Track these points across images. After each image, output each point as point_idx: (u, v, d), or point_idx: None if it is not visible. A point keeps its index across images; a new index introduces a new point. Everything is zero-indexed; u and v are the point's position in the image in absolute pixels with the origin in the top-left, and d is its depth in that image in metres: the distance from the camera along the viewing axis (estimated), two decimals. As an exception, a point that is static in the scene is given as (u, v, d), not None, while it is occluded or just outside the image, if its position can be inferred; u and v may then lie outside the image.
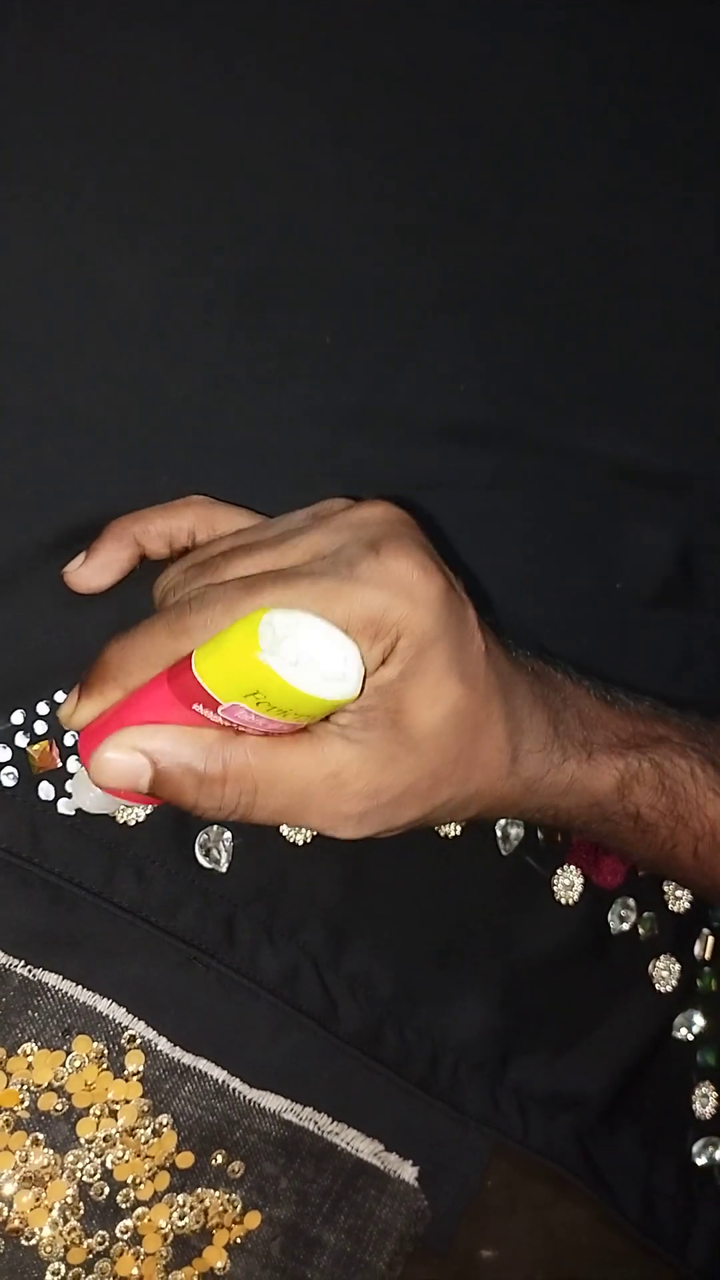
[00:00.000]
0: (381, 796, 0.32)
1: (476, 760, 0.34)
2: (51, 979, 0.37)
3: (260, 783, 0.31)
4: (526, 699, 0.35)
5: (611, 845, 0.41)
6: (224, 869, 0.39)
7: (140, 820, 0.38)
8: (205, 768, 0.31)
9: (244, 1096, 0.39)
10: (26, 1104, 0.37)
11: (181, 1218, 0.38)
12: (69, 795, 0.37)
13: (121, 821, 0.38)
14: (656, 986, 0.48)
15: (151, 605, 0.36)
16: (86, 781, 0.34)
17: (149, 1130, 0.38)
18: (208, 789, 0.31)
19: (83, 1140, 0.37)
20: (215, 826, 0.39)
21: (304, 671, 0.29)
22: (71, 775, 0.37)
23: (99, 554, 0.36)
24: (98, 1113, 0.37)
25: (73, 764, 0.37)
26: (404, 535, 0.32)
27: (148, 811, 0.38)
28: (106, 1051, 0.37)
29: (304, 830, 0.41)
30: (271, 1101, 0.40)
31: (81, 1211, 0.37)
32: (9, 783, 0.37)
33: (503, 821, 0.44)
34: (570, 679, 0.38)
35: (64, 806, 0.37)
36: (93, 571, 0.36)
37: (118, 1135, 0.37)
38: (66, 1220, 0.37)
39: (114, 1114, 0.37)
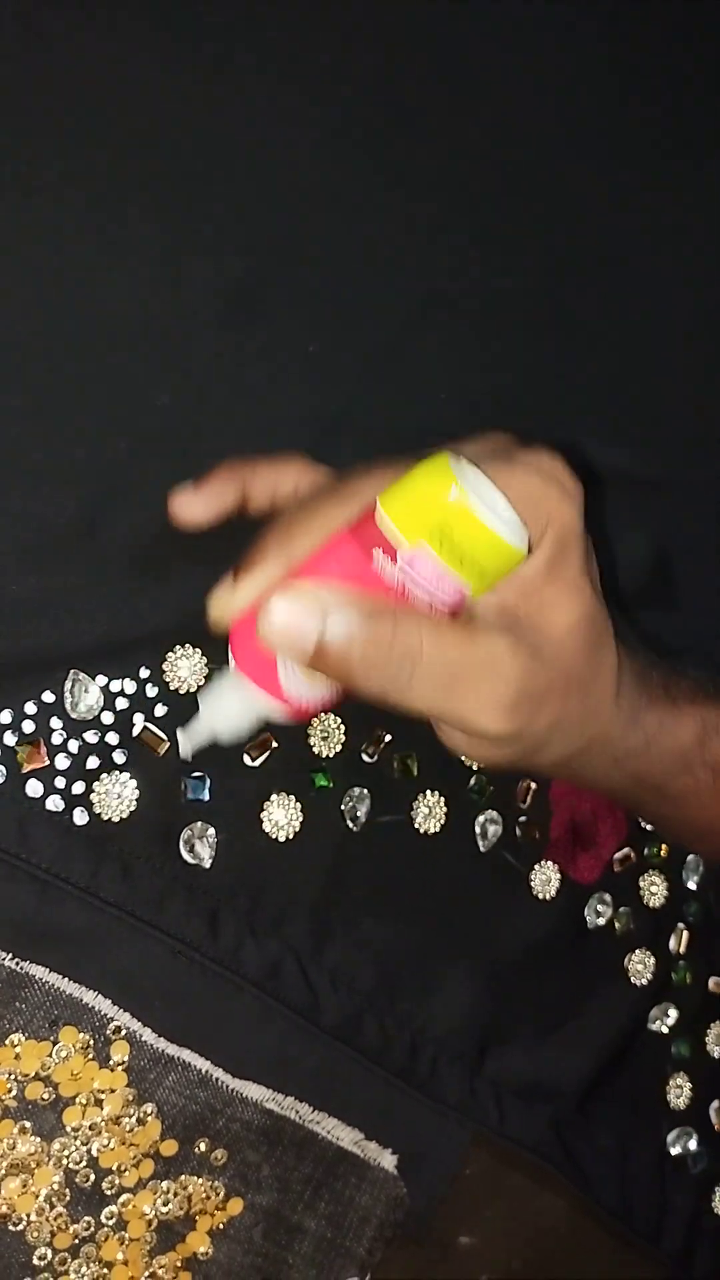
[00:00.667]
0: (530, 685, 0.33)
1: (597, 674, 0.35)
2: (39, 971, 0.38)
3: (425, 652, 0.31)
4: (623, 639, 0.37)
5: (681, 812, 0.41)
6: (208, 864, 0.40)
7: (125, 817, 0.39)
8: (376, 625, 0.30)
9: (227, 1086, 0.40)
10: (14, 1093, 0.38)
11: (165, 1204, 0.39)
12: (197, 719, 0.35)
13: (106, 819, 0.39)
14: (632, 980, 0.49)
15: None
16: (227, 691, 0.33)
17: (134, 1119, 0.39)
18: (374, 651, 0.30)
19: (69, 1128, 0.38)
20: (199, 823, 0.40)
21: (489, 512, 0.29)
22: (60, 772, 0.38)
23: (209, 486, 0.37)
24: (84, 1101, 0.38)
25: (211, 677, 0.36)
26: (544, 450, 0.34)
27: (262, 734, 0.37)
28: (92, 1042, 0.38)
29: (288, 825, 0.42)
30: (254, 1091, 0.41)
31: (68, 1198, 0.38)
32: (-3, 780, 0.38)
33: (481, 818, 0.45)
34: (642, 645, 0.40)
35: (186, 737, 0.36)
36: (201, 502, 0.37)
37: (103, 1123, 0.38)
38: (53, 1206, 0.38)
39: (99, 1103, 0.38)
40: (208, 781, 0.40)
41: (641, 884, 0.50)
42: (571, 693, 0.34)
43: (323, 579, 0.30)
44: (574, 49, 0.49)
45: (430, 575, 0.30)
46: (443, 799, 0.44)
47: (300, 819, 0.42)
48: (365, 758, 0.43)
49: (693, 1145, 0.51)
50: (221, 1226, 0.40)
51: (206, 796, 0.40)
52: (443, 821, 0.45)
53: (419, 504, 0.29)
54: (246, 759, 0.41)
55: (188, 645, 0.40)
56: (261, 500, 0.38)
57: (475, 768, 0.45)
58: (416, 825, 0.44)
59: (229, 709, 0.34)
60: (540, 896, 0.47)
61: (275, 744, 0.41)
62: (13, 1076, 0.38)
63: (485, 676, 0.32)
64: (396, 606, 0.31)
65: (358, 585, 0.30)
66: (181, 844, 0.40)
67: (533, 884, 0.47)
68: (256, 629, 0.30)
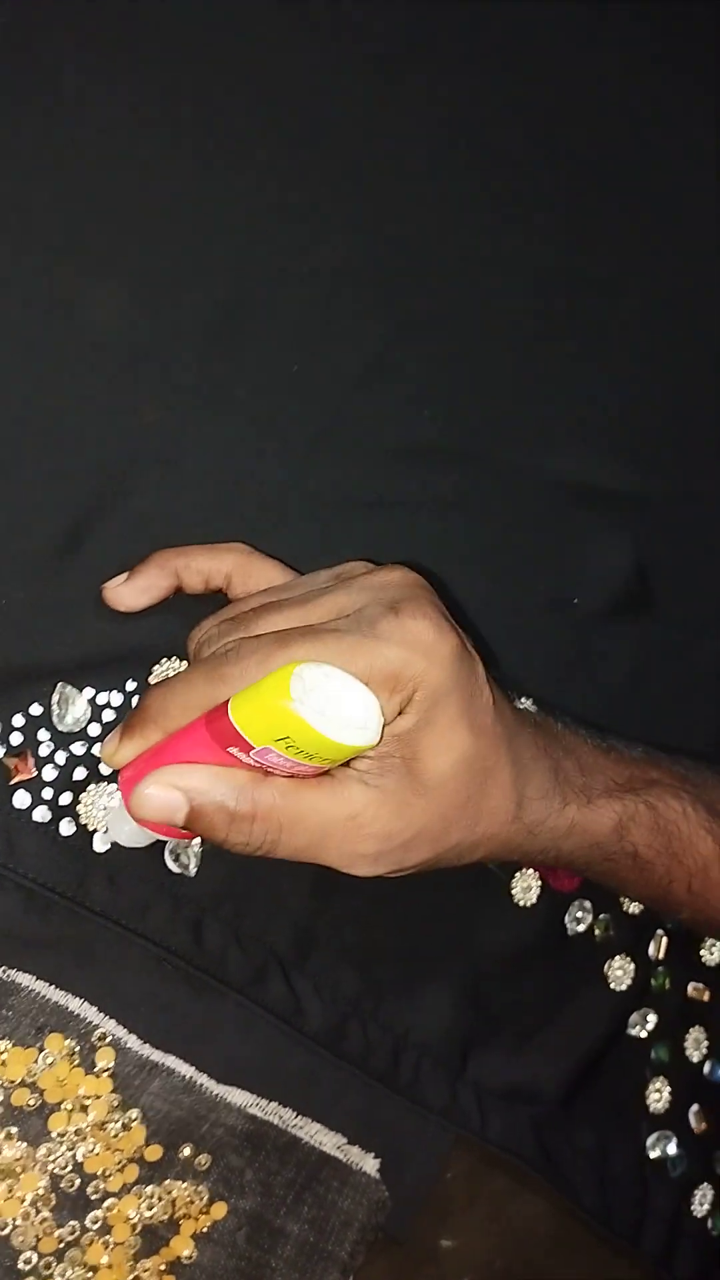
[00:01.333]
0: (395, 839, 0.35)
1: (484, 806, 0.37)
2: (25, 979, 0.39)
3: (285, 821, 0.34)
4: (530, 748, 0.38)
5: (611, 884, 0.43)
6: (193, 873, 0.41)
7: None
8: (237, 806, 0.33)
9: (211, 1091, 0.41)
10: (0, 1099, 0.38)
11: (150, 1208, 0.40)
12: (104, 830, 0.39)
13: (93, 829, 0.40)
14: (612, 985, 0.50)
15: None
16: (123, 816, 0.37)
17: (119, 1124, 0.39)
18: (238, 826, 0.33)
19: (54, 1134, 0.39)
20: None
21: (330, 720, 0.31)
22: (47, 783, 0.39)
23: (141, 577, 0.39)
24: (69, 1108, 0.39)
25: (113, 799, 0.39)
26: (420, 597, 0.35)
27: (183, 846, 0.40)
28: (78, 1048, 0.39)
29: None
30: (238, 1096, 0.41)
31: (53, 1203, 0.39)
32: (-16, 791, 0.38)
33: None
34: (568, 729, 0.41)
35: (99, 843, 0.39)
36: (132, 593, 0.39)
37: (88, 1129, 0.39)
38: (38, 1211, 0.38)
39: (85, 1109, 0.39)
40: (193, 791, 0.41)
41: (621, 891, 0.51)
42: (452, 830, 0.36)
43: (190, 757, 0.33)
44: (564, 65, 0.50)
45: (284, 763, 0.33)
46: (424, 808, 0.45)
47: (284, 828, 0.42)
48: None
49: (672, 1149, 0.51)
50: (205, 1230, 0.41)
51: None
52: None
53: (262, 717, 0.31)
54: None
55: (174, 658, 0.41)
56: (195, 586, 0.40)
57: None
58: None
59: (128, 828, 0.37)
60: (521, 904, 0.48)
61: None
62: (-1, 1083, 0.38)
63: (348, 834, 0.34)
64: (257, 781, 0.33)
65: (222, 763, 0.33)
66: (167, 854, 0.41)
67: (513, 891, 0.48)
68: (130, 807, 0.34)
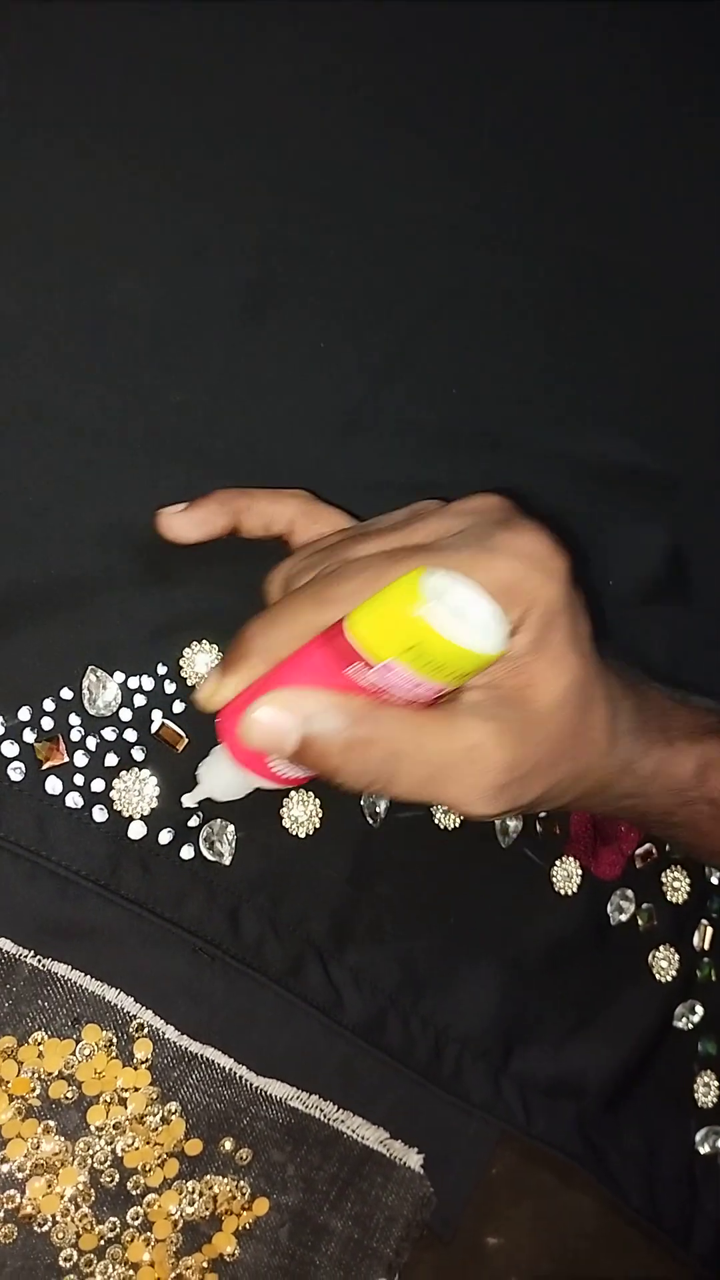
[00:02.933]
0: (516, 770, 0.33)
1: (587, 736, 0.35)
2: (61, 969, 0.38)
3: (406, 751, 0.32)
4: (618, 684, 0.37)
5: (689, 837, 0.42)
6: (227, 861, 0.40)
7: (145, 814, 0.39)
8: (354, 731, 0.31)
9: (251, 1084, 0.40)
10: (37, 1092, 0.37)
11: (191, 1204, 0.39)
12: (195, 785, 0.37)
13: (126, 815, 0.39)
14: (656, 977, 0.49)
15: (254, 599, 0.37)
16: (220, 764, 0.35)
17: (158, 1117, 0.39)
18: (355, 753, 0.32)
19: (93, 1127, 0.38)
20: (218, 820, 0.40)
21: (460, 627, 0.30)
22: (79, 769, 0.38)
23: (199, 510, 0.38)
24: (107, 1100, 0.38)
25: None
26: (525, 516, 0.34)
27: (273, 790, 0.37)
28: (115, 1040, 0.38)
29: (307, 822, 0.42)
30: (278, 1089, 0.41)
31: (92, 1198, 0.38)
32: (16, 777, 0.38)
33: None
34: (646, 678, 0.40)
35: (188, 799, 0.37)
36: (187, 524, 0.38)
37: (127, 1123, 0.38)
38: (78, 1207, 0.38)
39: (123, 1101, 0.38)
40: (227, 779, 0.40)
41: (664, 879, 0.50)
42: (561, 761, 0.35)
43: (302, 683, 0.32)
44: (588, 46, 0.49)
45: (406, 681, 0.31)
46: (462, 794, 0.44)
47: (320, 815, 0.42)
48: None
49: (721, 1144, 0.50)
50: (248, 1227, 0.40)
51: (226, 794, 0.40)
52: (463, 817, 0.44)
53: (388, 626, 0.30)
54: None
55: (204, 640, 0.40)
56: (255, 530, 0.39)
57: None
58: (437, 821, 0.44)
59: (224, 779, 0.36)
60: (562, 892, 0.47)
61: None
62: (36, 1075, 0.37)
63: (469, 767, 0.33)
64: (374, 706, 0.32)
65: (336, 688, 0.31)
66: (201, 841, 0.40)
67: (554, 880, 0.47)
68: (239, 732, 0.32)
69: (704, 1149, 0.50)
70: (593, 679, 0.35)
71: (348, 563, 0.33)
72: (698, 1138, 0.50)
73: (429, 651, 0.30)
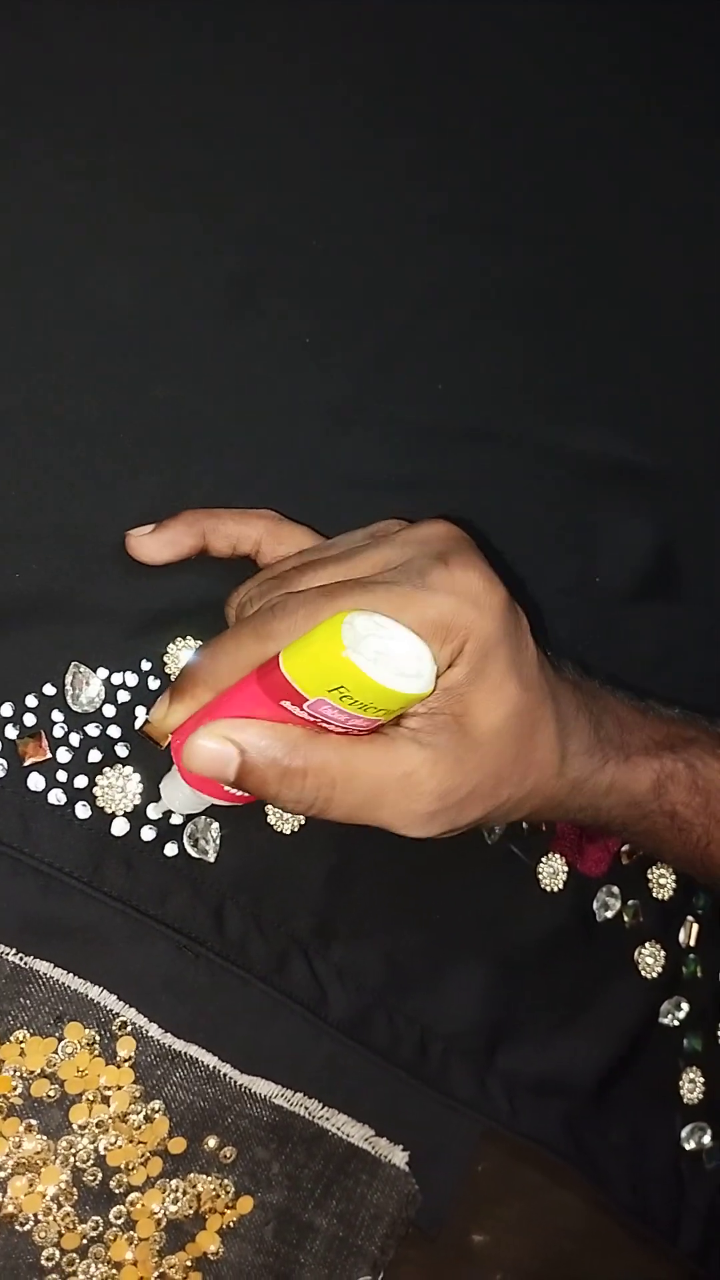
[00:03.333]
0: (450, 797, 0.34)
1: (532, 760, 0.36)
2: (43, 967, 0.38)
3: (339, 778, 0.33)
4: (571, 704, 0.38)
5: (649, 846, 0.43)
6: (212, 858, 0.40)
7: (129, 811, 0.39)
8: (289, 761, 0.33)
9: (235, 1082, 0.40)
10: (19, 1090, 0.37)
11: (174, 1203, 0.39)
12: (160, 799, 0.39)
13: (110, 812, 0.39)
14: (642, 973, 0.49)
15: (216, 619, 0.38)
16: (178, 781, 0.37)
17: (141, 1116, 0.38)
18: (290, 781, 0.33)
19: (75, 1126, 0.38)
20: (203, 817, 0.40)
21: (384, 667, 0.31)
22: (62, 765, 0.38)
23: (168, 531, 0.39)
24: (90, 1099, 0.38)
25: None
26: (467, 549, 0.35)
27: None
28: (98, 1038, 0.38)
29: (292, 819, 0.41)
30: (262, 1087, 0.40)
31: (75, 1197, 0.38)
32: (-1, 774, 0.37)
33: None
34: (606, 689, 0.41)
35: (153, 810, 0.39)
36: (156, 545, 0.39)
37: (110, 1121, 0.38)
38: (60, 1206, 0.37)
39: (106, 1100, 0.38)
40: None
41: (650, 876, 0.49)
42: (503, 786, 0.36)
43: (241, 713, 0.33)
44: (576, 41, 0.49)
45: (338, 715, 0.32)
46: (448, 791, 0.44)
47: (305, 812, 0.41)
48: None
49: (707, 1140, 0.50)
50: (232, 1225, 0.39)
51: (210, 791, 0.40)
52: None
53: (315, 667, 0.31)
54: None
55: (188, 636, 0.40)
56: (223, 550, 0.39)
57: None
58: (422, 817, 0.44)
59: (181, 794, 0.37)
60: (548, 889, 0.46)
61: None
62: (18, 1073, 0.37)
63: (402, 793, 0.34)
64: (309, 737, 0.33)
65: (275, 718, 0.33)
66: (185, 838, 0.40)
67: (540, 876, 0.46)
68: (182, 762, 0.33)
69: (690, 1145, 0.50)
70: (537, 704, 0.36)
71: (288, 597, 0.34)
72: (683, 1134, 0.50)
73: (355, 691, 0.31)
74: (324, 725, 0.33)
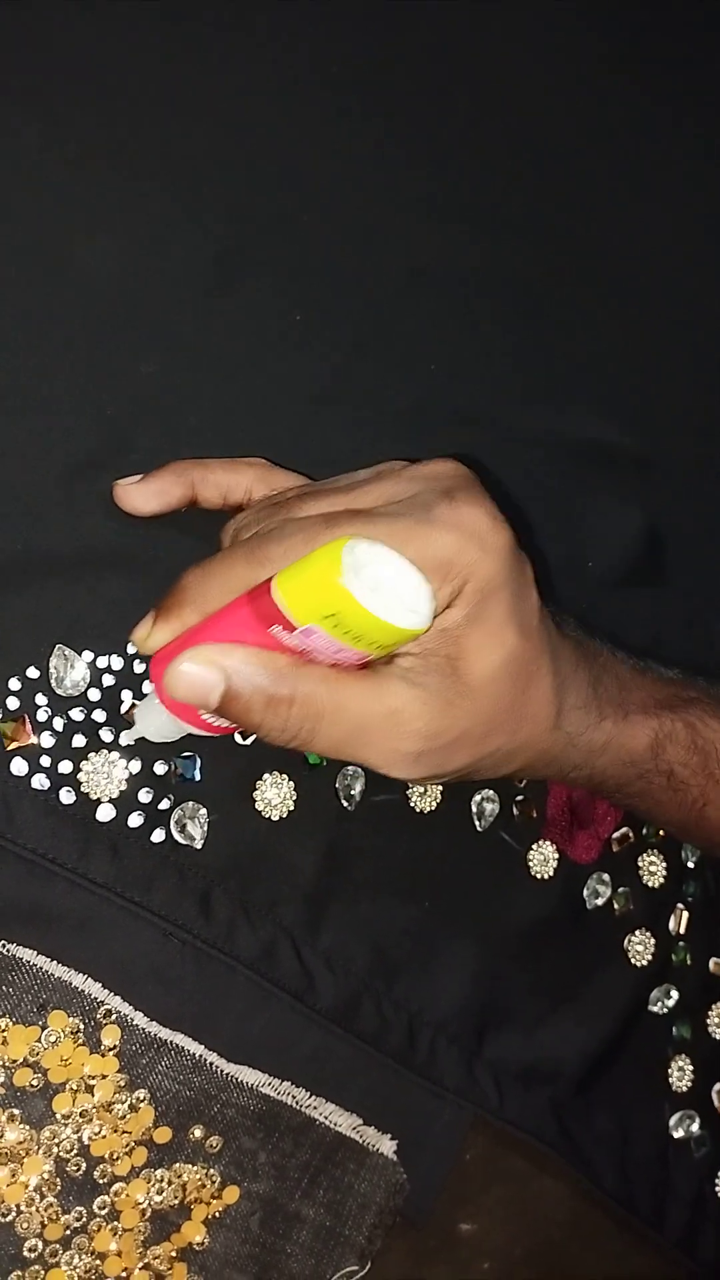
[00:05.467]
0: (437, 739, 0.33)
1: (526, 711, 0.35)
2: (26, 954, 0.37)
3: (325, 710, 0.32)
4: (570, 658, 0.37)
5: (644, 808, 0.42)
6: (199, 845, 0.39)
7: (115, 797, 0.38)
8: (275, 688, 0.31)
9: (221, 1071, 0.39)
10: (1, 1080, 0.37)
11: (160, 1193, 0.38)
12: (130, 727, 0.37)
13: (95, 798, 0.38)
14: (632, 961, 0.49)
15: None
16: (153, 708, 0.35)
17: (126, 1105, 0.38)
18: (274, 710, 0.32)
19: (59, 1116, 0.37)
20: (190, 803, 0.39)
21: (381, 599, 0.30)
22: (45, 750, 0.37)
23: (155, 481, 0.38)
24: (74, 1088, 0.37)
25: (143, 688, 0.38)
26: (475, 487, 0.34)
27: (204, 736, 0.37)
28: (82, 1026, 0.37)
29: (280, 806, 0.41)
30: (249, 1075, 0.40)
31: (58, 1187, 0.37)
32: (-19, 758, 0.36)
33: (478, 798, 0.45)
34: (606, 647, 0.40)
35: (125, 738, 0.38)
36: (143, 495, 0.38)
37: (94, 1110, 0.37)
38: (43, 1196, 0.37)
39: (90, 1089, 0.37)
40: (198, 761, 0.39)
41: (640, 863, 0.49)
42: (494, 734, 0.35)
43: (229, 638, 0.32)
44: (568, 27, 0.48)
45: (327, 646, 0.31)
46: (438, 777, 0.44)
47: (293, 798, 0.41)
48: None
49: (695, 1128, 0.50)
50: (217, 1215, 0.39)
51: (198, 776, 0.39)
52: (439, 800, 0.44)
53: (310, 592, 0.30)
54: (238, 737, 0.40)
55: (176, 619, 0.39)
56: (213, 500, 0.38)
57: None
58: (412, 804, 0.43)
59: (157, 722, 0.36)
60: (538, 876, 0.46)
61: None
62: (0, 1063, 0.36)
63: (389, 731, 0.33)
64: (297, 666, 0.32)
65: (262, 645, 0.32)
66: (172, 824, 0.39)
67: (530, 864, 0.46)
68: (164, 684, 0.32)
69: (678, 1133, 0.50)
70: (535, 654, 0.35)
71: (286, 522, 0.33)
72: (671, 1122, 0.50)
73: (347, 621, 0.30)
74: (312, 656, 0.32)
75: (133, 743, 0.38)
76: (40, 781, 0.37)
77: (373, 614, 0.30)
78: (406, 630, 0.30)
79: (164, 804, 0.39)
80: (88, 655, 0.38)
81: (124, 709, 0.38)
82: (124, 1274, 0.38)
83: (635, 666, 0.40)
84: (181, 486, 0.38)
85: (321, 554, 0.30)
